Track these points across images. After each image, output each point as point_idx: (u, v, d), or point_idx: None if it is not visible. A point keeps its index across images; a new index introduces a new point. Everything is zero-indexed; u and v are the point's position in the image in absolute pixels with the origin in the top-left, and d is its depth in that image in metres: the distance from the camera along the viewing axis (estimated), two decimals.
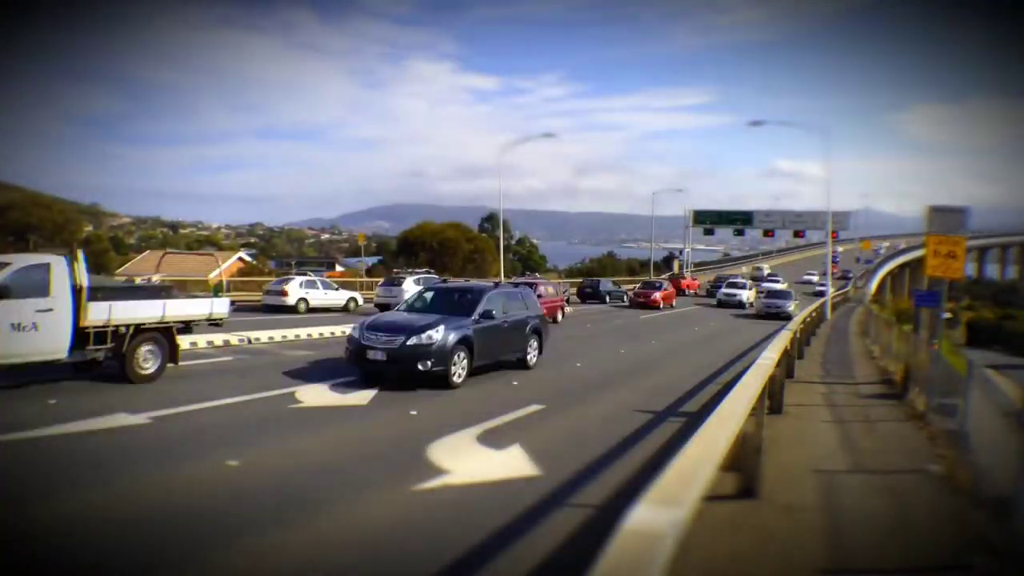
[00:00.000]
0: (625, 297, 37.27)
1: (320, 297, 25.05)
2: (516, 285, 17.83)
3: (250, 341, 14.95)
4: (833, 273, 48.69)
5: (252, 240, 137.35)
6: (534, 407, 9.30)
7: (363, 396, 9.55)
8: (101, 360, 9.57)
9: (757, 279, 54.94)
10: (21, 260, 8.90)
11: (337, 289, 26.41)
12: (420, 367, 10.14)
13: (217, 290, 14.26)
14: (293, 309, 23.68)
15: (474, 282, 16.40)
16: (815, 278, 64.07)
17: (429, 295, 12.82)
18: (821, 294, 35.75)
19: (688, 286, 49.24)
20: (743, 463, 5.54)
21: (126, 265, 50.42)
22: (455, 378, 10.54)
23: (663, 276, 54.08)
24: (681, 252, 73.30)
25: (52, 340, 8.72)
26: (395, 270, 32.69)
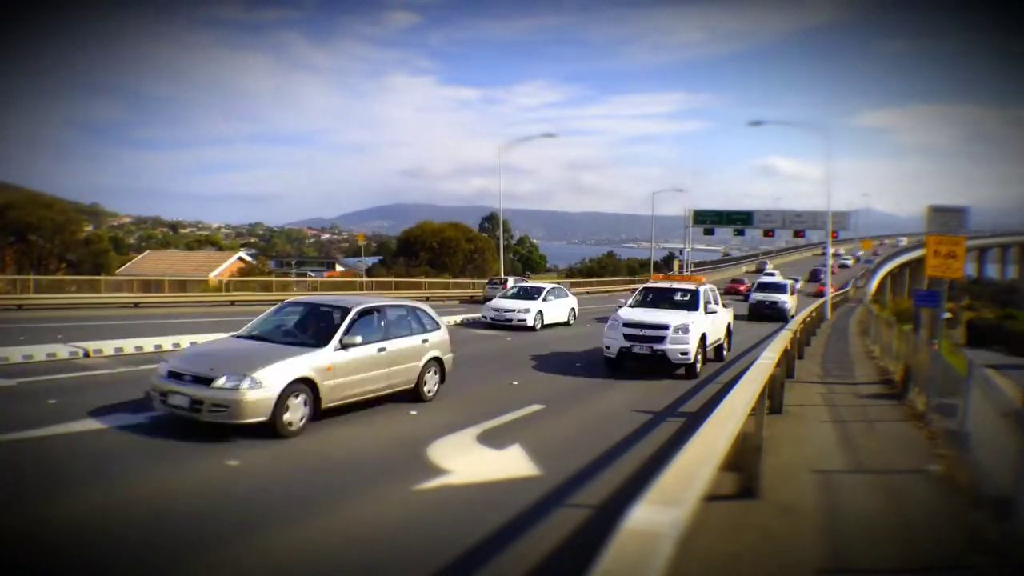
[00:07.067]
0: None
1: None
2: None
3: None
4: (833, 274, 48.65)
5: (252, 240, 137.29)
6: (534, 407, 9.30)
7: None
8: None
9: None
10: None
11: None
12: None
13: None
14: None
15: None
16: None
17: None
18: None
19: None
20: (743, 463, 5.54)
21: (126, 265, 50.40)
22: None
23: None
24: (681, 252, 73.25)
25: None
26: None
